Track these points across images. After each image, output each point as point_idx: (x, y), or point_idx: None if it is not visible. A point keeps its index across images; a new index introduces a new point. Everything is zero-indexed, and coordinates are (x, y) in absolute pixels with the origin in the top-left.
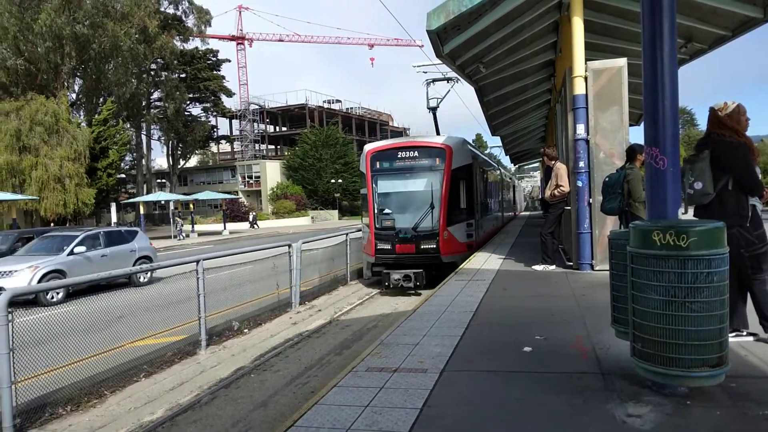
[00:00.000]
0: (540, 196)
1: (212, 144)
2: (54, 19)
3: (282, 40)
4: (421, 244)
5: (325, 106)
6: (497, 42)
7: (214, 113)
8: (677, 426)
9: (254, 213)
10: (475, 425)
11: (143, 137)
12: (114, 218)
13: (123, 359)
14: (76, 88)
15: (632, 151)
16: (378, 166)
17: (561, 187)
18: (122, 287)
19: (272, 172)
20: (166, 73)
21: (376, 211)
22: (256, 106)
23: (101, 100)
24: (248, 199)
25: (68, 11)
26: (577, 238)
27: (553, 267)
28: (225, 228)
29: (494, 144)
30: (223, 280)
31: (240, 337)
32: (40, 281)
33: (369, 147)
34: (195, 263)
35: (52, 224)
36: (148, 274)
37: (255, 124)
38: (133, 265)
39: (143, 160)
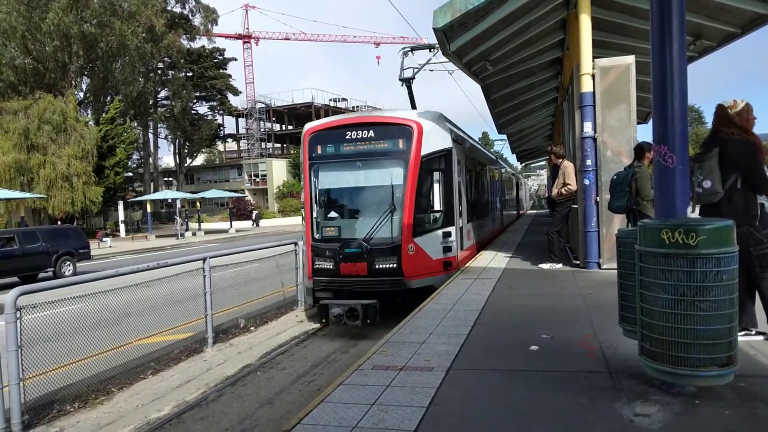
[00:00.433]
0: (547, 195)
1: (219, 142)
2: (62, 18)
3: (288, 39)
4: (377, 263)
5: (331, 104)
6: (504, 40)
7: (221, 112)
8: (685, 425)
9: (257, 211)
10: (482, 424)
11: (150, 136)
12: (121, 216)
13: (130, 356)
14: (84, 86)
15: (640, 149)
16: (319, 152)
17: (568, 186)
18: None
19: (278, 171)
20: (173, 72)
21: (314, 215)
22: (263, 105)
23: (108, 98)
24: (255, 197)
25: (76, 10)
26: (584, 237)
27: (560, 265)
28: (231, 226)
29: (496, 138)
30: (229, 278)
31: (246, 335)
32: None
33: (309, 125)
34: (201, 261)
35: (59, 222)
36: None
37: (261, 122)
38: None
39: (150, 159)
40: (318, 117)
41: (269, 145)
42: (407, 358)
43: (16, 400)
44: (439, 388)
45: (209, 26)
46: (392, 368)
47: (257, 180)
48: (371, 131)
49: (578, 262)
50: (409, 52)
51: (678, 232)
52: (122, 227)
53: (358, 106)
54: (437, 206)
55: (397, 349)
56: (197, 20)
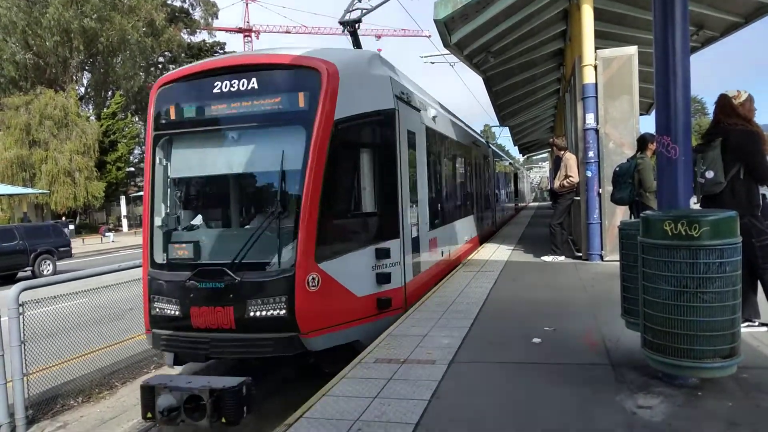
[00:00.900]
0: (549, 187)
1: None
2: (62, 13)
3: (289, 32)
4: (251, 307)
5: None
6: (505, 31)
7: None
8: (688, 417)
9: None
10: (484, 416)
11: None
12: (124, 211)
13: (133, 351)
14: (85, 81)
15: (643, 141)
16: (171, 117)
17: (570, 178)
18: None
19: None
20: (174, 66)
21: (155, 223)
22: None
23: (110, 93)
24: None
25: (76, 5)
26: (587, 229)
27: (563, 258)
28: None
29: (494, 124)
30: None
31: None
32: None
33: (163, 77)
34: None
35: (62, 217)
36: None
37: None
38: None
39: None
40: None
41: None
42: (409, 351)
43: (20, 394)
44: (441, 381)
45: (210, 20)
46: (394, 361)
47: None
48: (252, 81)
49: (581, 254)
50: None
51: (681, 223)
52: (125, 222)
53: None
54: (366, 206)
55: (399, 342)
56: (197, 14)
